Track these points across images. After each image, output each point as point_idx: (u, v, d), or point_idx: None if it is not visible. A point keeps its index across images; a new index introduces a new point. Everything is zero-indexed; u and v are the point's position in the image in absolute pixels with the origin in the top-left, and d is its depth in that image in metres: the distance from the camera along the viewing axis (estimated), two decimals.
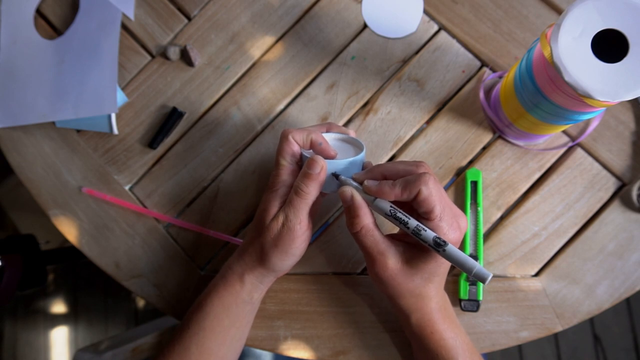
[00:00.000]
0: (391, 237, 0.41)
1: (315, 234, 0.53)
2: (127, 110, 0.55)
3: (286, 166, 0.42)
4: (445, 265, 0.40)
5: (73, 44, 0.55)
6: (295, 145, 0.42)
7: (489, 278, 0.34)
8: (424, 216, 0.38)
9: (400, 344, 0.50)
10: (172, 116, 0.53)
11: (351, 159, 0.42)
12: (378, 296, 0.51)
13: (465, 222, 0.40)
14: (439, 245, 0.36)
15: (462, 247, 0.50)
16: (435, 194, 0.37)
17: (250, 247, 0.43)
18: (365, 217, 0.39)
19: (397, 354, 0.50)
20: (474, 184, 0.51)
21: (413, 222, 0.37)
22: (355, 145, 0.45)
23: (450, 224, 0.38)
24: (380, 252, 0.39)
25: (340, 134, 0.46)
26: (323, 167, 0.40)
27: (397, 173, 0.40)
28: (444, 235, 0.38)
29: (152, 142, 0.54)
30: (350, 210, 0.39)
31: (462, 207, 0.51)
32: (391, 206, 0.38)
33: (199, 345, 0.43)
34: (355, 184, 0.40)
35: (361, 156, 0.43)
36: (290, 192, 0.41)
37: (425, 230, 0.37)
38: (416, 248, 0.40)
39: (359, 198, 0.39)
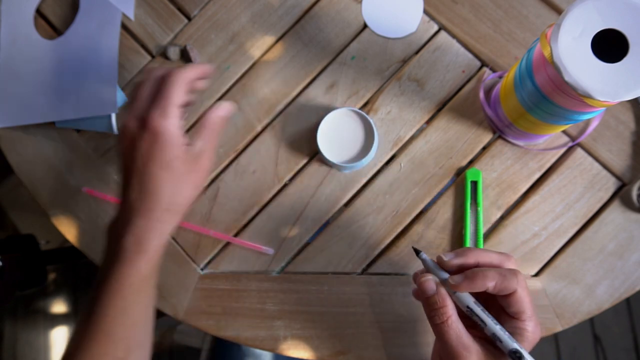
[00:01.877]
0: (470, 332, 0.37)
1: (315, 233, 0.53)
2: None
3: (177, 117, 0.39)
4: None
5: (73, 44, 0.55)
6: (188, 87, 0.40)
7: None
8: (513, 315, 0.36)
9: (401, 344, 0.50)
10: None
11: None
12: (378, 296, 0.51)
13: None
14: (517, 359, 0.35)
15: (462, 246, 0.50)
16: (527, 294, 0.36)
17: (134, 201, 0.39)
18: (451, 307, 0.36)
19: (397, 354, 0.50)
20: (474, 184, 0.51)
21: (492, 326, 0.36)
22: (361, 117, 0.50)
23: (535, 324, 0.37)
24: (465, 347, 0.35)
25: (349, 108, 0.50)
26: None
27: (492, 263, 0.38)
28: (528, 334, 0.36)
29: None
30: (434, 301, 0.36)
31: (462, 207, 0.51)
32: (475, 301, 0.36)
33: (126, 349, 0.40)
34: (442, 274, 0.38)
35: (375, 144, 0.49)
36: None
37: (504, 341, 0.35)
38: (495, 347, 0.37)
39: (443, 290, 0.36)
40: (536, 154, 0.52)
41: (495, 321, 0.36)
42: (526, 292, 0.36)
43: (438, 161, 0.52)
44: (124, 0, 0.55)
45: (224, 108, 0.43)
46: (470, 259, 0.37)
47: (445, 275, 0.37)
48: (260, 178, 0.53)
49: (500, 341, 0.35)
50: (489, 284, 0.35)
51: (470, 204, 0.51)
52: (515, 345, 0.35)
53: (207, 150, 0.41)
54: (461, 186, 0.52)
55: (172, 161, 0.39)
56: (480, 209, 0.50)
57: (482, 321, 0.36)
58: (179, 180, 0.40)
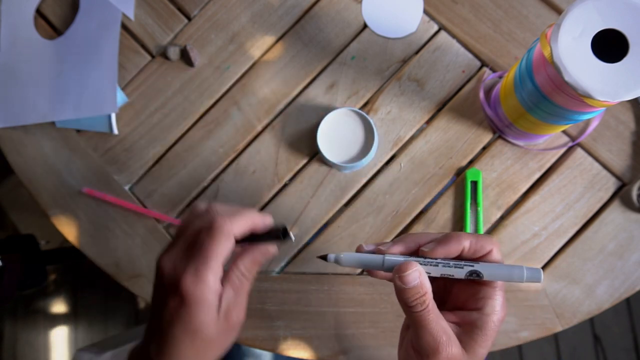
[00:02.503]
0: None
1: (315, 233, 0.53)
2: (127, 110, 0.55)
3: (215, 279, 0.33)
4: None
5: (73, 44, 0.55)
6: (232, 243, 0.34)
7: (541, 275, 0.31)
8: (486, 283, 0.34)
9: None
10: (276, 236, 0.35)
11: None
12: (378, 296, 0.51)
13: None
14: (477, 274, 0.33)
15: None
16: (502, 259, 0.34)
17: (153, 355, 0.35)
18: (431, 292, 0.33)
19: (396, 354, 0.50)
20: (474, 184, 0.51)
21: (436, 263, 0.33)
22: (361, 117, 0.50)
23: (504, 295, 0.34)
24: (445, 331, 0.32)
25: (349, 108, 0.50)
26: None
27: (433, 239, 0.35)
28: (499, 301, 0.33)
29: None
30: (417, 291, 0.32)
31: (462, 207, 0.51)
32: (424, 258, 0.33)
33: None
34: (376, 261, 0.34)
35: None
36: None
37: (455, 271, 0.33)
38: (467, 331, 0.34)
39: (425, 275, 0.33)
40: (536, 154, 0.52)
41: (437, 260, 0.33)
42: (501, 255, 0.34)
43: (438, 161, 0.52)
44: (124, 0, 0.55)
45: (272, 250, 0.36)
46: (410, 243, 0.35)
47: (379, 260, 0.34)
48: (260, 178, 0.53)
49: (452, 275, 0.33)
50: (464, 242, 0.33)
51: (470, 204, 0.51)
52: (469, 266, 0.32)
53: (239, 304, 0.35)
54: (461, 186, 0.52)
55: (199, 328, 0.34)
56: (480, 209, 0.50)
57: (430, 264, 0.33)
58: (205, 346, 0.35)
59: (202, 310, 0.33)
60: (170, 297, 0.33)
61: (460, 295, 0.35)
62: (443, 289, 0.37)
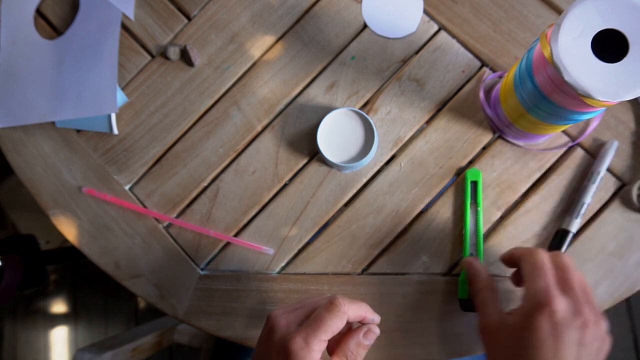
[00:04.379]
0: None
1: (315, 234, 0.53)
2: (127, 110, 0.55)
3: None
4: None
5: (73, 44, 0.55)
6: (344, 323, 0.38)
7: None
8: None
9: (401, 344, 0.50)
10: None
11: None
12: (378, 296, 0.51)
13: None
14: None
15: (462, 247, 0.51)
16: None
17: None
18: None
19: (398, 354, 0.50)
20: (474, 184, 0.51)
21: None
22: (361, 117, 0.50)
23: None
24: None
25: (349, 108, 0.50)
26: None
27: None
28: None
29: None
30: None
31: (462, 207, 0.51)
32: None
33: None
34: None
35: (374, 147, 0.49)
36: None
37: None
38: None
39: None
40: (536, 154, 0.52)
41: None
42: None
43: (438, 161, 0.52)
44: (124, 0, 0.55)
45: (376, 331, 0.40)
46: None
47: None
48: (260, 178, 0.53)
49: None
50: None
51: (470, 204, 0.51)
52: None
53: None
54: (461, 186, 0.52)
55: None
56: (480, 209, 0.50)
57: None
58: None
59: None
60: (276, 351, 0.37)
61: None
62: None
